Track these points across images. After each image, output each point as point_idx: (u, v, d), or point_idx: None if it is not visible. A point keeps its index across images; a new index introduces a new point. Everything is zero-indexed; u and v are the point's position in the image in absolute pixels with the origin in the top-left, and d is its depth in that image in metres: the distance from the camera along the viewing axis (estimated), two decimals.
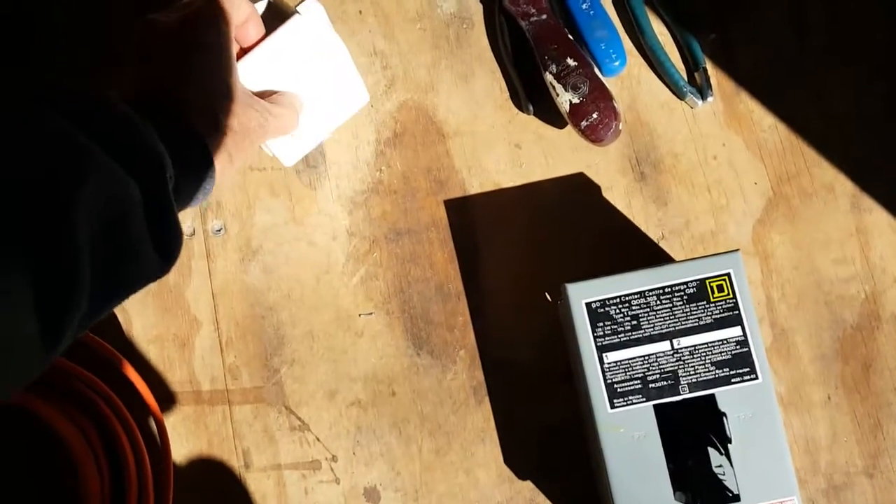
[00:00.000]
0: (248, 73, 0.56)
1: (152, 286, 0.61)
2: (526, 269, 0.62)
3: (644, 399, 0.52)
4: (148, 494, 0.58)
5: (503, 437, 0.61)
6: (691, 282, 0.53)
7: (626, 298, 0.53)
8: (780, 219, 0.63)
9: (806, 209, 0.63)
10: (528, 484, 0.60)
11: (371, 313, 0.63)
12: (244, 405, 0.62)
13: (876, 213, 0.62)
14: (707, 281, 0.53)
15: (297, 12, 0.57)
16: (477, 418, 0.61)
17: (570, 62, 0.61)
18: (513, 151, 0.64)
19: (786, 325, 0.61)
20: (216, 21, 0.50)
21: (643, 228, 0.63)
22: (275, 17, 0.59)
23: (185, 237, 0.62)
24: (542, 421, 0.61)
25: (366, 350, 0.62)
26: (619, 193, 0.63)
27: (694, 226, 0.63)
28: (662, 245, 0.62)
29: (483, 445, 0.61)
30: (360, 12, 0.66)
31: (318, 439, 0.61)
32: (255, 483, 0.61)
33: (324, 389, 0.62)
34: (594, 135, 0.60)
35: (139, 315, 0.63)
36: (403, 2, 0.66)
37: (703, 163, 0.64)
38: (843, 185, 0.63)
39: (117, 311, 0.63)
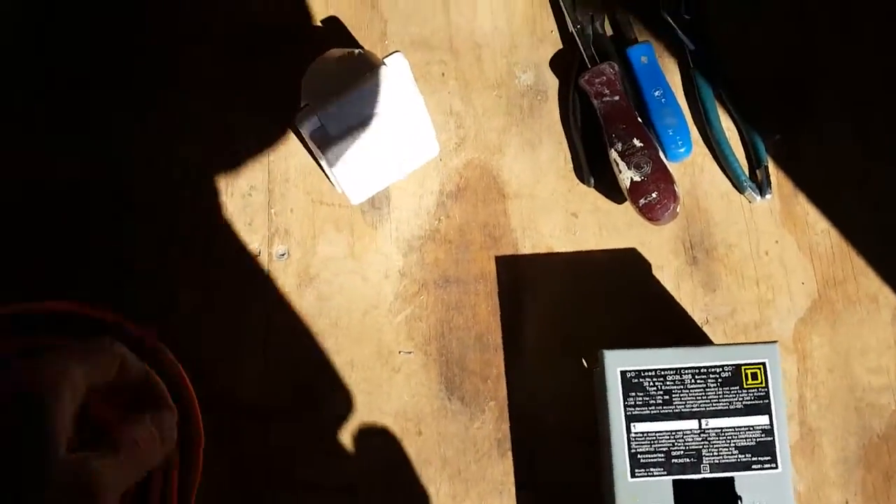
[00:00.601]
0: (333, 116, 0.60)
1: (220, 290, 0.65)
2: (566, 333, 0.64)
3: (665, 473, 0.53)
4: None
5: (520, 496, 0.62)
6: (727, 366, 0.55)
7: (662, 373, 0.55)
8: (822, 321, 0.64)
9: (848, 315, 0.64)
10: None
11: (410, 352, 0.65)
12: (279, 422, 0.64)
13: None
14: (742, 367, 0.55)
15: (384, 63, 0.61)
16: (497, 471, 0.62)
17: (636, 142, 0.63)
18: (569, 219, 0.67)
19: (814, 424, 0.62)
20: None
21: (689, 311, 0.64)
22: (365, 67, 0.63)
23: (253, 255, 0.66)
24: (562, 481, 0.61)
25: (400, 386, 0.64)
26: (669, 274, 0.65)
27: (739, 315, 0.64)
28: (706, 329, 0.64)
29: (500, 498, 0.62)
30: (443, 74, 0.70)
31: (341, 467, 0.63)
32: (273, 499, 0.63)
33: (356, 418, 0.64)
34: (651, 213, 0.62)
35: (205, 324, 0.66)
36: (485, 70, 0.70)
37: (755, 256, 0.65)
38: (888, 298, 0.64)
39: (182, 313, 0.66)
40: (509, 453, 0.62)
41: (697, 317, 0.64)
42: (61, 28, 0.71)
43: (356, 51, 0.65)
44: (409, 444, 0.63)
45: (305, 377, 0.65)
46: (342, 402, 0.64)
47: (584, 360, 0.64)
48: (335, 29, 0.72)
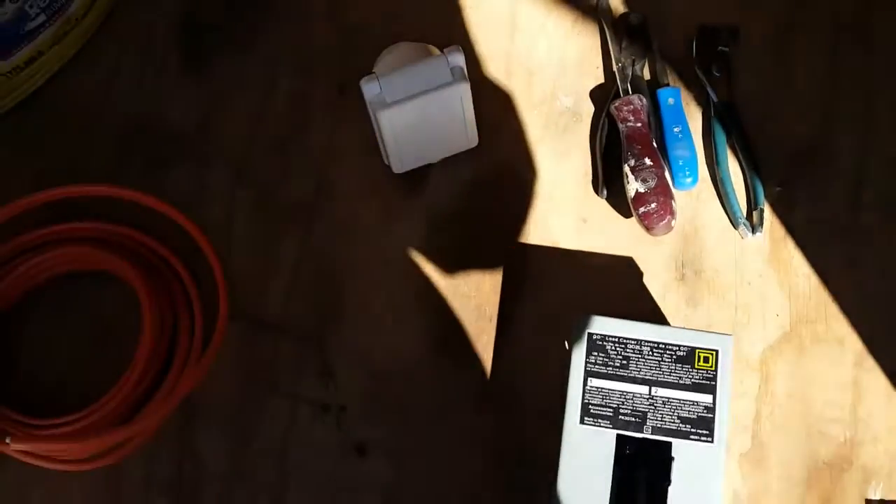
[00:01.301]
0: (391, 85, 0.70)
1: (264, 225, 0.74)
2: (555, 320, 0.71)
3: (611, 426, 0.59)
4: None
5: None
6: (683, 346, 0.61)
7: (624, 341, 0.61)
8: (790, 351, 0.69)
9: (815, 351, 0.69)
10: None
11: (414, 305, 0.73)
12: (289, 343, 0.72)
13: (875, 375, 0.68)
14: (697, 350, 0.61)
15: (443, 53, 0.71)
16: (476, 423, 0.69)
17: (647, 161, 0.72)
18: (578, 223, 0.74)
19: (765, 439, 0.67)
20: None
21: (670, 318, 0.71)
22: (423, 55, 0.74)
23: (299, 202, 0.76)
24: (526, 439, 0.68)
25: (401, 335, 0.72)
26: (658, 284, 0.72)
27: (714, 330, 0.70)
28: None
29: (468, 449, 0.68)
30: (495, 87, 0.80)
31: (336, 388, 0.70)
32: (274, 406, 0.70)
33: (357, 352, 0.71)
34: (648, 221, 0.70)
35: (243, 243, 0.75)
36: (532, 89, 0.80)
37: (737, 284, 0.72)
38: (853, 343, 0.69)
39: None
40: (488, 412, 0.69)
41: (675, 324, 0.70)
42: None
43: (423, 44, 0.75)
44: (396, 384, 0.70)
45: (323, 309, 0.73)
46: (349, 336, 0.72)
47: (566, 343, 0.70)
48: (413, 37, 0.83)
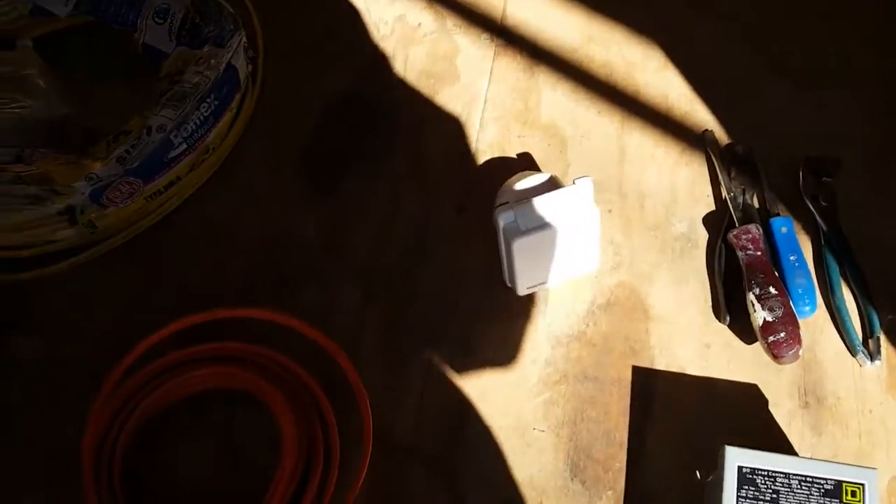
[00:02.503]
0: (526, 214, 0.73)
1: (390, 343, 0.77)
2: (685, 446, 0.72)
3: None
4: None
5: None
6: (830, 479, 0.62)
7: (773, 474, 0.63)
8: None
9: None
10: None
11: (543, 431, 0.74)
12: (420, 467, 0.73)
13: None
14: (844, 483, 0.62)
15: (574, 183, 0.75)
16: None
17: (772, 290, 0.74)
18: (702, 349, 0.77)
19: None
20: None
21: (796, 448, 0.72)
22: (552, 186, 0.77)
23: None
24: None
25: (530, 459, 0.73)
26: (783, 412, 0.74)
27: (840, 459, 0.71)
28: None
29: None
30: (610, 211, 0.83)
31: None
32: None
33: (487, 478, 0.72)
34: (777, 350, 0.72)
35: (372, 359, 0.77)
36: (646, 214, 0.83)
37: (859, 412, 0.73)
38: None
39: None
40: None
41: (803, 454, 0.72)
42: None
43: (548, 174, 0.79)
44: None
45: (450, 430, 0.74)
46: (478, 462, 0.73)
47: (697, 472, 0.71)
48: (526, 163, 0.87)
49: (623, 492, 0.71)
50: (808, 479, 0.62)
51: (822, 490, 0.62)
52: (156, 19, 0.90)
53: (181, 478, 0.73)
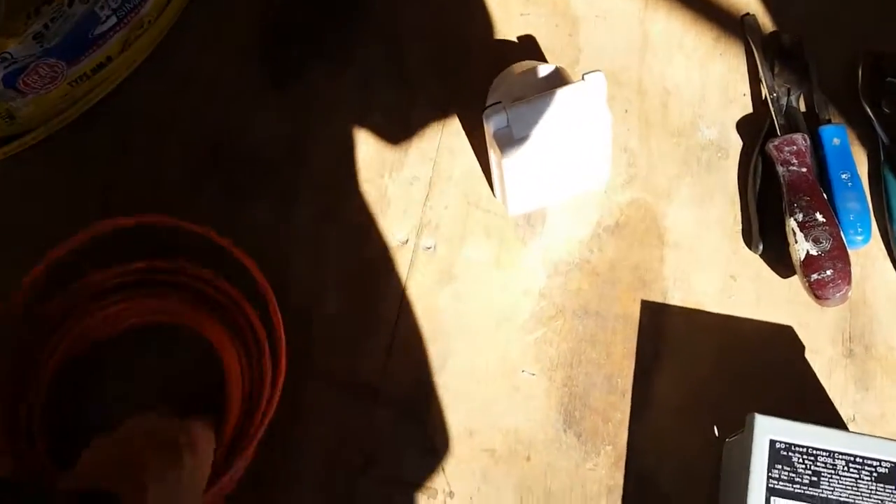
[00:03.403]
0: (521, 117, 0.60)
1: (357, 269, 0.64)
2: (700, 396, 0.61)
3: None
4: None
5: None
6: (886, 462, 0.50)
7: (814, 452, 0.51)
8: None
9: None
10: None
11: (534, 374, 0.62)
12: (387, 409, 0.62)
13: None
14: None
15: (583, 79, 0.60)
16: None
17: (819, 217, 0.61)
18: (726, 281, 0.64)
19: None
20: (209, 444, 0.53)
21: (836, 403, 0.60)
22: (557, 80, 0.63)
23: (398, 244, 0.66)
24: None
25: (517, 406, 0.61)
26: (823, 361, 0.61)
27: (890, 420, 0.60)
28: (851, 426, 0.59)
29: None
30: (626, 111, 0.69)
31: (443, 470, 0.60)
32: (366, 489, 0.60)
33: (465, 426, 0.61)
34: (822, 291, 0.59)
35: (333, 290, 0.65)
36: (669, 116, 0.69)
37: None
38: None
39: (320, 275, 0.65)
40: None
41: (844, 412, 0.60)
42: None
43: (552, 65, 0.64)
44: (515, 467, 0.60)
45: (425, 372, 0.63)
46: (456, 406, 0.62)
47: (715, 428, 0.60)
48: (529, 48, 0.72)
49: (625, 447, 0.60)
50: (857, 459, 0.51)
51: (875, 473, 0.50)
52: None
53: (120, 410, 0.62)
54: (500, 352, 0.63)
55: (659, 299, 0.64)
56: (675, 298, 0.64)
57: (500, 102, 0.60)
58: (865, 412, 0.60)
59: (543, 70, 0.64)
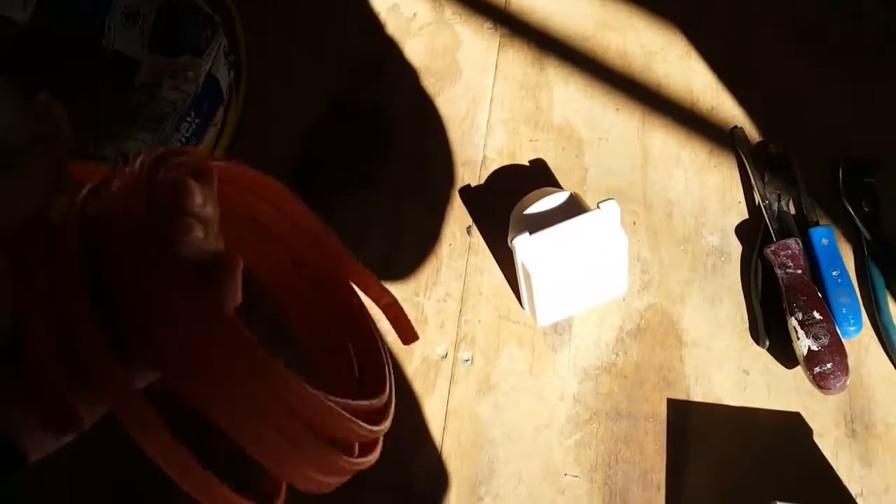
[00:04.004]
0: (546, 242, 0.67)
1: (404, 384, 0.71)
2: (726, 484, 0.68)
3: None
4: None
5: None
6: None
7: None
8: None
9: None
10: None
11: (576, 476, 0.69)
12: None
13: None
14: None
15: (599, 207, 0.68)
16: None
17: (816, 315, 0.69)
18: (740, 375, 0.71)
19: None
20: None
21: (844, 480, 0.67)
22: (574, 206, 0.70)
23: (437, 358, 0.72)
24: None
25: None
26: (829, 442, 0.69)
27: (893, 493, 0.67)
28: (859, 501, 0.67)
29: None
30: (634, 223, 0.77)
31: None
32: None
33: None
34: (824, 382, 0.67)
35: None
36: (674, 225, 0.77)
37: None
38: None
39: None
40: None
41: (853, 488, 0.67)
42: None
43: (567, 191, 0.72)
44: None
45: (474, 479, 0.69)
46: None
47: None
48: (540, 169, 0.80)
49: None
50: None
51: None
52: (124, 22, 0.81)
53: None
54: (542, 457, 0.70)
55: (682, 396, 0.71)
56: (698, 394, 0.71)
57: (526, 232, 0.67)
58: (871, 487, 0.67)
59: (559, 197, 0.72)
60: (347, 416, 0.38)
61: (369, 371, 0.47)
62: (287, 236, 0.49)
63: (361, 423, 0.39)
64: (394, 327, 0.49)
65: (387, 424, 0.43)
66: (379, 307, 0.49)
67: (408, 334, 0.49)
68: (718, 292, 0.74)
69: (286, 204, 0.48)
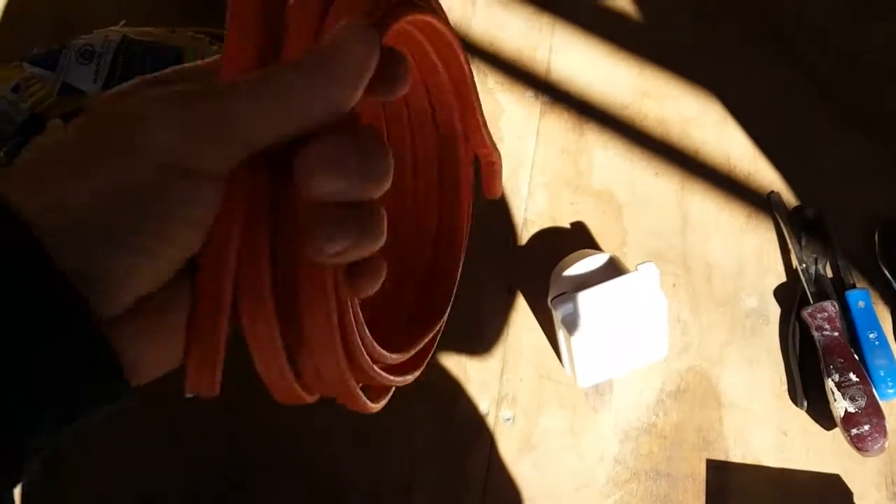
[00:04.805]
0: (586, 305, 0.69)
1: (446, 442, 0.73)
2: None
3: None
4: None
5: None
6: None
7: None
8: None
9: None
10: None
11: None
12: None
13: None
14: None
15: (637, 270, 0.70)
16: None
17: (853, 377, 0.70)
18: (779, 437, 0.72)
19: None
20: None
21: None
22: (612, 268, 0.73)
23: (480, 416, 0.74)
24: None
25: None
26: None
27: None
28: None
29: None
30: (674, 285, 0.79)
31: None
32: None
33: None
34: (862, 444, 0.68)
35: (424, 461, 0.73)
36: (713, 288, 0.78)
37: None
38: None
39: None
40: None
41: None
42: None
43: (606, 254, 0.74)
44: None
45: None
46: None
47: None
48: (580, 232, 0.82)
49: None
50: None
51: None
52: None
53: None
54: None
55: (722, 457, 0.72)
56: (737, 455, 0.72)
57: (566, 293, 0.70)
58: None
59: (599, 259, 0.74)
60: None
61: (432, 293, 0.40)
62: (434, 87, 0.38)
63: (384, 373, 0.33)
64: (485, 174, 0.39)
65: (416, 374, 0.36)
66: (478, 156, 0.39)
67: (496, 188, 0.40)
68: (757, 354, 0.75)
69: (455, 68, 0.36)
